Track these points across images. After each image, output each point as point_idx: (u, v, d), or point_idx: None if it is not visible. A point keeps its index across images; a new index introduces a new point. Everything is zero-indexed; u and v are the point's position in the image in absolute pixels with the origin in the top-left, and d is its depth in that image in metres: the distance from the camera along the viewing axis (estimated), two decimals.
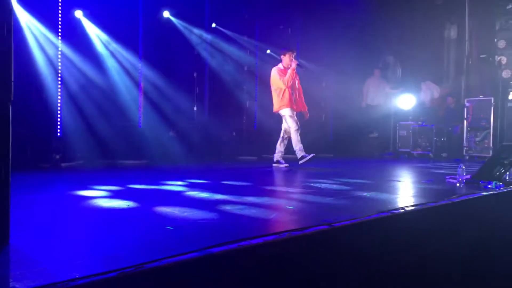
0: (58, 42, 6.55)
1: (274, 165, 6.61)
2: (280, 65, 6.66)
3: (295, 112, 6.56)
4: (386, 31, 10.95)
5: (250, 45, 10.02)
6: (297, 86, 6.64)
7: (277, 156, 6.61)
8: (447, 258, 3.15)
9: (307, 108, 6.80)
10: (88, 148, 6.51)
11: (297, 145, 6.38)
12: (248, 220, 2.48)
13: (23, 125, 6.11)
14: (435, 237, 3.00)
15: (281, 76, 6.48)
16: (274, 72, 6.60)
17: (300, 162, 6.35)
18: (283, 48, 6.76)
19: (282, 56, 6.68)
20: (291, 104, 6.49)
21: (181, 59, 8.63)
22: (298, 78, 6.69)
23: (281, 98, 6.47)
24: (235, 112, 9.71)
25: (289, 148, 6.70)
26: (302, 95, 6.73)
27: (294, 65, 6.49)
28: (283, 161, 6.56)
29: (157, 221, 2.43)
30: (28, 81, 6.21)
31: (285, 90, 6.45)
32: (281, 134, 6.68)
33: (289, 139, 6.54)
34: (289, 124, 6.45)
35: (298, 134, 6.40)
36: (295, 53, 6.67)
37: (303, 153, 6.34)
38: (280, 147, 6.62)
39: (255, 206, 3.02)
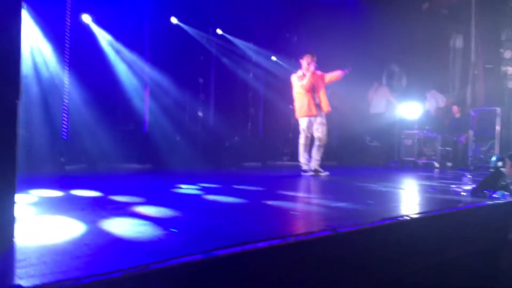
0: (66, 45, 6.61)
1: (308, 173, 6.39)
2: (299, 72, 6.60)
3: (317, 118, 6.42)
4: (392, 40, 10.95)
5: (256, 52, 10.07)
6: (321, 88, 6.53)
7: (315, 165, 6.46)
8: (453, 266, 3.12)
9: (330, 108, 6.61)
10: (93, 151, 6.55)
11: (301, 158, 6.53)
12: (253, 224, 2.47)
13: (29, 127, 6.15)
14: (440, 245, 2.97)
15: (300, 81, 6.45)
16: (294, 78, 6.58)
17: (302, 173, 6.45)
18: (303, 53, 6.76)
19: (300, 60, 6.61)
20: (310, 111, 6.37)
21: (187, 65, 8.68)
22: (323, 79, 6.59)
23: (301, 106, 6.42)
24: (241, 118, 9.74)
25: (293, 155, 6.67)
26: (326, 96, 6.56)
27: (312, 68, 6.41)
28: (321, 169, 6.46)
29: (163, 223, 2.42)
30: (35, 83, 6.26)
31: (304, 95, 6.38)
32: (315, 143, 6.54)
33: (324, 146, 6.51)
34: (300, 135, 6.53)
35: (305, 148, 6.46)
36: (314, 57, 6.50)
37: (306, 168, 6.47)
38: (316, 156, 6.48)
39: (260, 211, 3.01)
